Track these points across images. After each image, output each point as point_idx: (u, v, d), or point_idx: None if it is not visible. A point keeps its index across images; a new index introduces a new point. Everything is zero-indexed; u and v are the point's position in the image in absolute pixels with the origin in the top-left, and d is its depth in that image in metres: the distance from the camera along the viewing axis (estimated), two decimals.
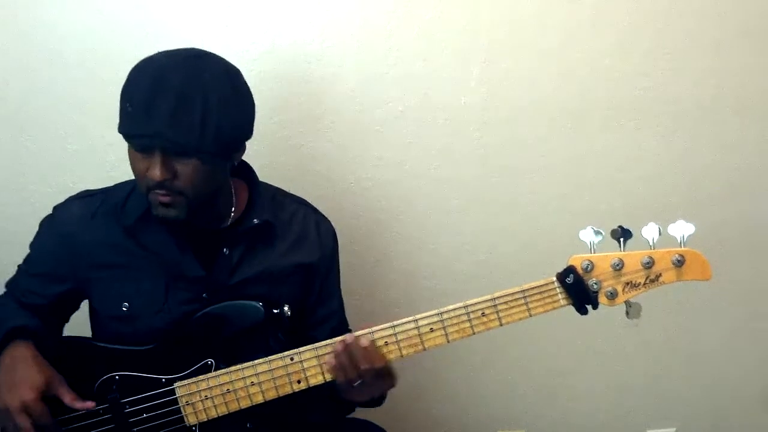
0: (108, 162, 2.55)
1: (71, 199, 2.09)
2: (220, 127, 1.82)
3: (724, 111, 2.73)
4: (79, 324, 2.15)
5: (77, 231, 2.00)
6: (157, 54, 1.86)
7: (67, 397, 1.89)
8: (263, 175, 2.09)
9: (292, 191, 2.21)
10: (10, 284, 2.12)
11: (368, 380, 1.86)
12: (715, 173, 2.78)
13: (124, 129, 1.81)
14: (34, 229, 2.08)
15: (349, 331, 2.17)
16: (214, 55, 1.90)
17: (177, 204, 1.87)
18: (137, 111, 1.78)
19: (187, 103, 1.79)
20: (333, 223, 2.21)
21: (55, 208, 2.08)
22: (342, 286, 2.25)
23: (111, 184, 2.12)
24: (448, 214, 2.74)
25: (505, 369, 2.91)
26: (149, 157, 1.81)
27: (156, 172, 1.80)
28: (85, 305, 2.12)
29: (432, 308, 1.84)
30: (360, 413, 2.12)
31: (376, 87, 2.62)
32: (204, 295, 1.99)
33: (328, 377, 1.89)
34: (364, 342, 1.83)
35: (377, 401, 2.06)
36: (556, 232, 2.74)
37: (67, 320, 2.16)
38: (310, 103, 2.59)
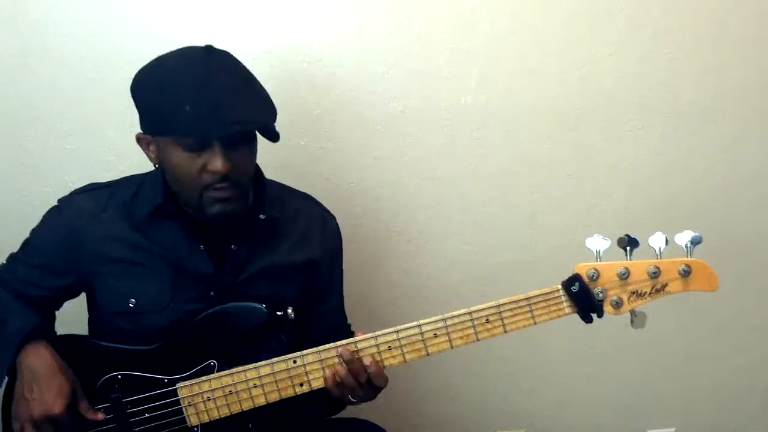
0: (108, 161, 2.55)
1: (77, 192, 2.08)
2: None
3: (724, 111, 2.73)
4: (75, 321, 2.14)
5: (85, 224, 2.00)
6: (177, 53, 1.89)
7: (83, 407, 1.91)
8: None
9: (295, 188, 2.22)
10: (5, 273, 2.09)
11: (362, 391, 1.87)
12: (716, 172, 2.78)
13: (195, 127, 1.79)
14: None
15: (349, 328, 2.19)
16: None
17: (235, 197, 1.91)
18: (209, 106, 1.78)
19: (257, 89, 1.89)
20: (336, 220, 2.22)
21: (61, 200, 2.07)
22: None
23: None
24: (448, 214, 2.74)
25: (505, 369, 2.92)
26: (204, 154, 1.83)
27: (219, 164, 1.83)
28: (83, 303, 2.12)
29: (432, 308, 1.85)
30: (362, 413, 2.12)
31: (376, 87, 2.61)
32: (211, 293, 1.99)
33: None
34: (367, 361, 1.84)
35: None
36: (556, 232, 2.75)
37: (58, 309, 2.15)
38: (310, 103, 2.60)
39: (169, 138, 1.83)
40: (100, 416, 1.92)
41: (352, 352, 1.85)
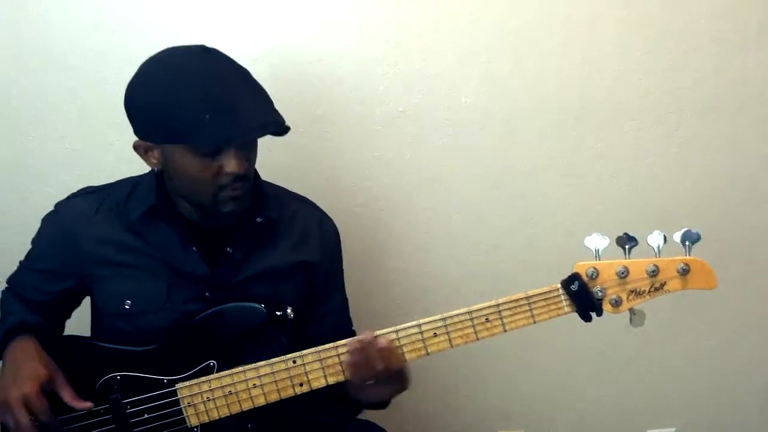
0: (108, 162, 2.55)
1: (73, 196, 2.08)
2: None
3: (724, 111, 2.73)
4: (78, 322, 2.15)
5: (80, 228, 2.00)
6: (174, 57, 1.87)
7: (67, 396, 1.88)
8: (263, 175, 2.09)
9: (293, 191, 2.22)
10: (11, 280, 2.12)
11: (381, 380, 1.86)
12: (716, 172, 2.78)
13: (218, 136, 1.79)
14: (34, 229, 2.08)
15: (353, 332, 2.18)
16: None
17: (245, 193, 1.93)
18: (228, 113, 1.79)
19: (257, 85, 1.89)
20: (333, 222, 2.22)
21: (57, 204, 2.08)
22: None
23: None
24: (448, 214, 2.74)
25: (505, 369, 2.92)
26: (220, 157, 1.84)
27: (237, 166, 1.84)
28: (86, 303, 2.12)
29: (432, 308, 1.84)
30: (362, 413, 2.12)
31: (376, 87, 2.62)
32: (207, 293, 1.99)
33: (337, 378, 1.89)
34: (383, 342, 1.82)
35: (384, 404, 2.06)
36: (556, 232, 2.75)
37: (68, 316, 2.16)
38: (310, 103, 2.60)
39: (182, 146, 1.83)
40: (88, 404, 1.89)
41: (374, 336, 1.84)
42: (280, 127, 1.87)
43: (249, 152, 1.91)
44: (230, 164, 1.83)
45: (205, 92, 1.78)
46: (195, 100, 1.77)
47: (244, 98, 1.83)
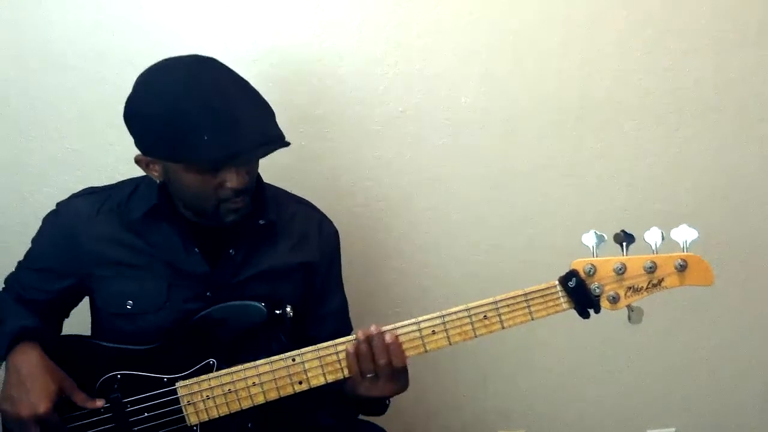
0: (108, 162, 2.55)
1: (75, 196, 2.08)
2: None
3: (724, 111, 2.73)
4: (78, 322, 2.15)
5: (81, 227, 2.00)
6: (172, 71, 1.85)
7: (79, 398, 1.90)
8: (263, 176, 2.09)
9: (293, 191, 2.22)
10: (9, 280, 2.11)
11: (382, 376, 1.85)
12: (716, 172, 2.78)
13: (219, 155, 1.79)
14: (34, 228, 2.08)
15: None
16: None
17: (247, 203, 1.94)
18: (228, 132, 1.78)
19: (257, 97, 1.89)
20: (333, 223, 2.22)
21: (59, 204, 2.07)
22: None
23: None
24: (448, 214, 2.74)
25: (505, 369, 2.92)
26: (221, 173, 1.84)
27: (238, 182, 1.85)
28: (85, 303, 2.12)
29: (432, 308, 1.84)
30: None
31: (376, 87, 2.62)
32: (207, 293, 1.99)
33: (336, 377, 1.89)
34: (389, 337, 1.82)
35: (379, 409, 2.07)
36: (555, 232, 2.75)
37: (66, 316, 2.15)
38: (310, 103, 2.60)
39: (183, 163, 1.84)
40: (99, 403, 1.91)
41: (381, 330, 1.84)
42: (279, 144, 1.87)
43: (250, 166, 1.91)
44: (232, 180, 1.84)
45: (205, 110, 1.77)
46: (194, 119, 1.76)
47: (243, 114, 1.81)
